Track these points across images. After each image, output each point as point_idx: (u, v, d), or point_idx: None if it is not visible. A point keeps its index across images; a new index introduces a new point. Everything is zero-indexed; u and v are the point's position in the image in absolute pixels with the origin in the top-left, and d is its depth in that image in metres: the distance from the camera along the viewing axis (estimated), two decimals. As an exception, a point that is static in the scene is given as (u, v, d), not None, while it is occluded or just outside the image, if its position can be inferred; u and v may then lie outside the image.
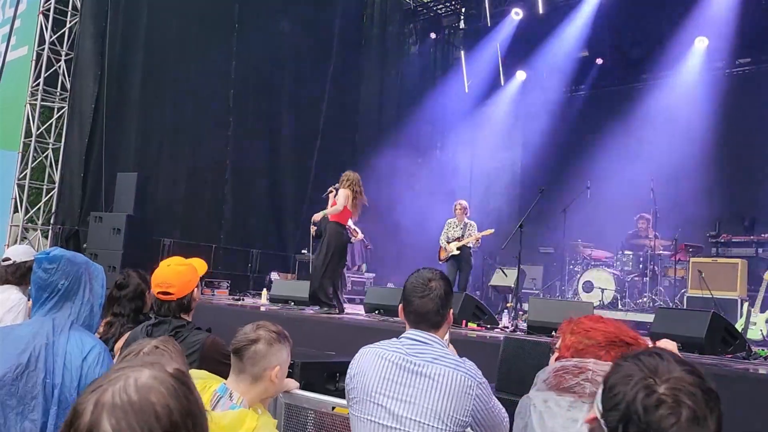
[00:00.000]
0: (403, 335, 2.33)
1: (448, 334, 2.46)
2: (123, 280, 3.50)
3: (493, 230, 8.62)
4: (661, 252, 9.22)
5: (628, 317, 8.21)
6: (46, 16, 9.91)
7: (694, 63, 11.33)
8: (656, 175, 9.70)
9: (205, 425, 0.96)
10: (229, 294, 9.79)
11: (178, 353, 1.79)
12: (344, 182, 7.19)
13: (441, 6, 14.52)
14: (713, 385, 1.20)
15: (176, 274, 2.88)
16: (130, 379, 0.91)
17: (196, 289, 2.93)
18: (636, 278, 9.27)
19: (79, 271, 2.18)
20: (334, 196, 7.35)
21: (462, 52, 14.66)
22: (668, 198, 9.69)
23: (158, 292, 2.85)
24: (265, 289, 9.20)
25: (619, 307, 8.96)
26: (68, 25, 10.06)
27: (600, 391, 1.26)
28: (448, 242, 8.72)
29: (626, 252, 9.38)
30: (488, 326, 6.47)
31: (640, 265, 9.19)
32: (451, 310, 2.38)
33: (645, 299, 8.90)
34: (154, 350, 1.75)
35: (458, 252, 8.57)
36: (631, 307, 8.93)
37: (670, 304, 8.58)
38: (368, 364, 2.29)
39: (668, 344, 1.93)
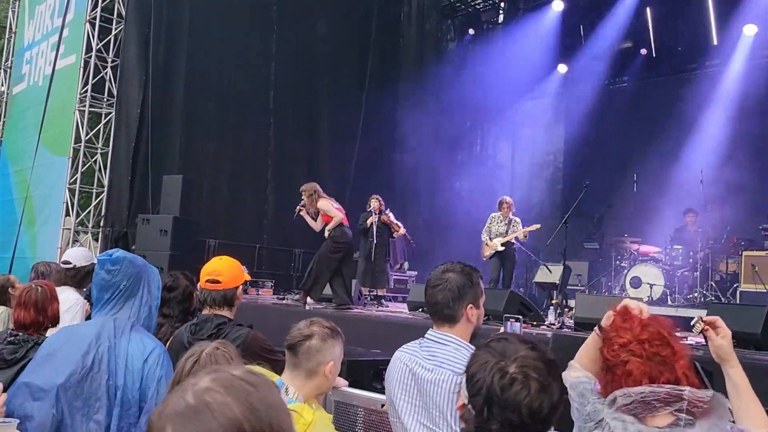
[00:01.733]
0: (426, 334, 2.30)
1: (519, 328, 2.40)
2: (172, 282, 3.59)
3: (539, 225, 8.50)
4: (712, 246, 8.97)
5: (679, 313, 8.01)
6: (93, 24, 10.17)
7: (743, 51, 10.98)
8: (705, 166, 9.45)
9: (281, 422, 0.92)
10: (273, 293, 9.90)
11: (237, 355, 1.82)
12: (313, 196, 7.82)
13: (480, 1, 14.41)
14: (552, 355, 1.40)
15: (227, 266, 2.97)
16: (189, 385, 0.91)
17: (240, 288, 2.98)
18: (686, 273, 9.02)
19: (139, 273, 2.25)
20: (311, 212, 7.94)
21: (501, 48, 14.51)
22: (718, 190, 9.41)
23: (206, 281, 2.91)
24: (308, 288, 9.26)
25: (669, 302, 8.76)
26: (113, 33, 10.32)
27: (464, 380, 1.42)
28: (491, 238, 8.59)
29: (675, 246, 9.14)
30: (534, 323, 6.39)
31: (690, 260, 8.95)
32: (470, 307, 2.22)
33: (696, 294, 8.67)
34: (214, 351, 1.78)
35: (503, 248, 8.46)
36: (681, 302, 8.71)
37: (722, 299, 8.35)
38: (393, 369, 2.33)
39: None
